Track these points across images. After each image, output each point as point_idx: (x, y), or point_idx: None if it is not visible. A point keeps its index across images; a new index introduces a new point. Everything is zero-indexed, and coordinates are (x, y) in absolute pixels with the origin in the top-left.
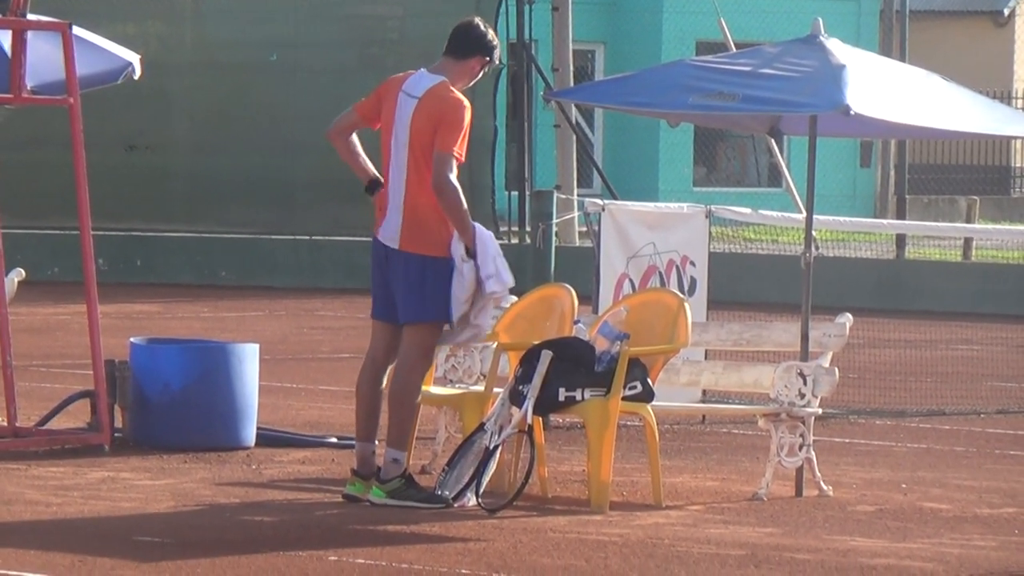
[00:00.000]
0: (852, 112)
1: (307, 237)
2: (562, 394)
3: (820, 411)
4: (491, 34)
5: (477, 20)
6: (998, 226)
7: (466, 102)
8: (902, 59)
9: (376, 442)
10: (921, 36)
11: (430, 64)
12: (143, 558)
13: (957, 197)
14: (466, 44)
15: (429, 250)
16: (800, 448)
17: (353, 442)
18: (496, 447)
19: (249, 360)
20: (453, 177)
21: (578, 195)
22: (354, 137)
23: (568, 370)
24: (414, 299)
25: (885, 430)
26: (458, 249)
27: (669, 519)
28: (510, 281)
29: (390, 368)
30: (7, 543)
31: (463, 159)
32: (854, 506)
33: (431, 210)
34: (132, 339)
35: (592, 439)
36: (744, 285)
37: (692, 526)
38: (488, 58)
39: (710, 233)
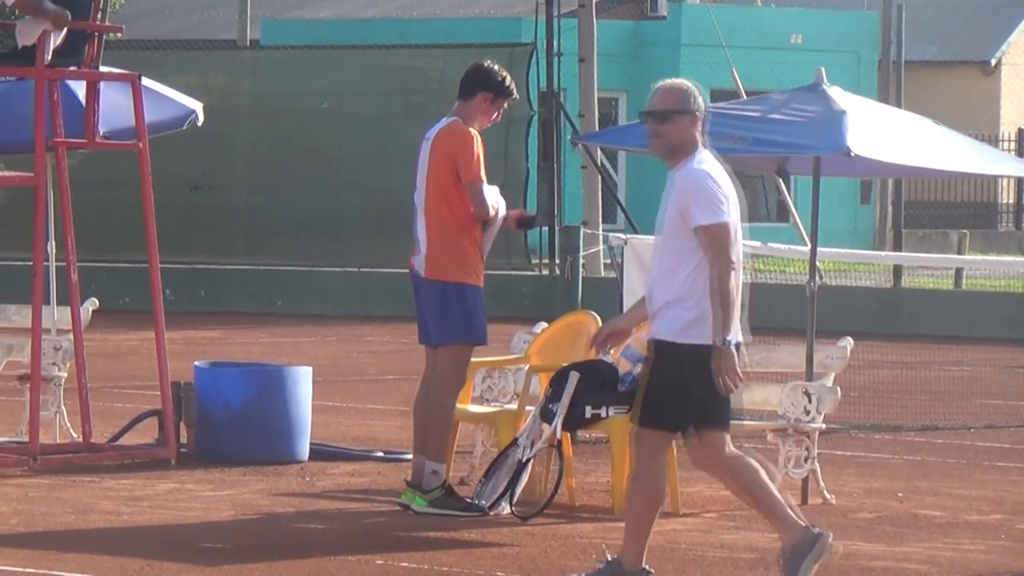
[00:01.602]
0: (852, 154)
1: (356, 269)
2: (588, 411)
3: (824, 426)
4: (497, 71)
5: (483, 61)
6: (986, 257)
7: (474, 133)
8: (898, 105)
9: None
10: (916, 84)
11: None
12: (206, 563)
13: (949, 231)
14: (469, 82)
15: (451, 276)
16: (805, 460)
17: (397, 455)
18: (528, 460)
19: (303, 381)
20: (485, 199)
21: (603, 230)
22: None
23: (594, 390)
24: (442, 322)
25: (883, 444)
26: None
27: (686, 525)
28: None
29: None
30: (83, 549)
31: (484, 180)
32: (855, 513)
33: (451, 240)
34: (196, 363)
35: (616, 452)
36: (754, 311)
37: (707, 532)
38: (493, 93)
39: None
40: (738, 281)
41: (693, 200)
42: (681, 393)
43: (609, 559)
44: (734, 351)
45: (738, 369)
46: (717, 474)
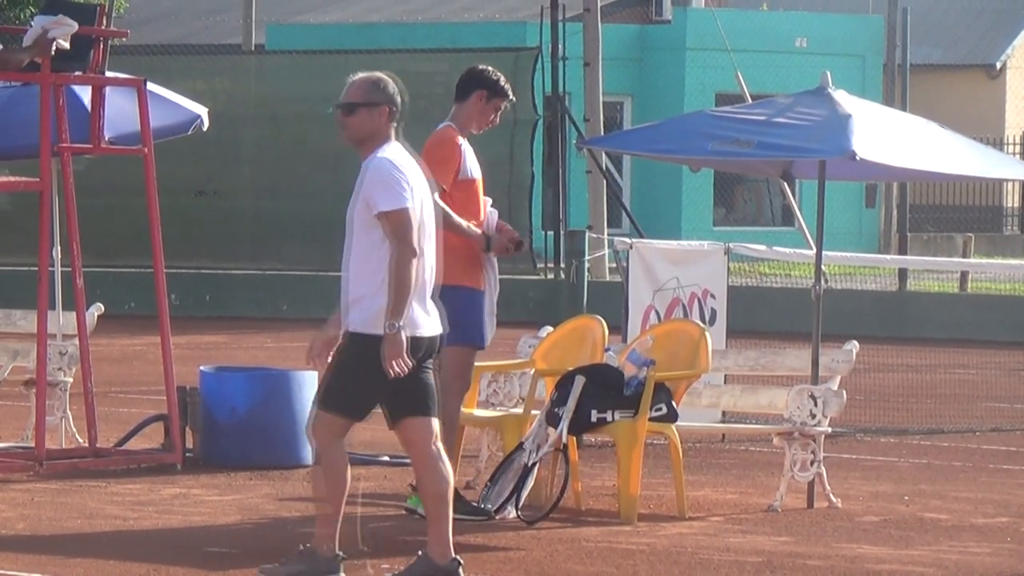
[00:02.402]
0: (858, 157)
1: None
2: (594, 416)
3: (829, 430)
4: (491, 72)
5: (475, 66)
6: (991, 260)
7: (451, 137)
8: (903, 109)
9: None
10: (921, 88)
11: None
12: (212, 567)
13: (954, 234)
14: (463, 84)
15: (447, 280)
16: (812, 464)
17: (403, 460)
18: (534, 464)
19: (308, 386)
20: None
21: (608, 234)
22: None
23: (599, 394)
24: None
25: (889, 447)
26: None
27: (692, 529)
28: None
29: None
30: (89, 554)
31: (448, 188)
32: (861, 516)
33: (446, 243)
34: (202, 367)
35: (621, 456)
36: (760, 315)
37: (713, 535)
38: (487, 91)
39: (728, 268)
40: (420, 269)
41: (375, 188)
42: (362, 383)
43: (302, 548)
44: (403, 337)
45: (405, 356)
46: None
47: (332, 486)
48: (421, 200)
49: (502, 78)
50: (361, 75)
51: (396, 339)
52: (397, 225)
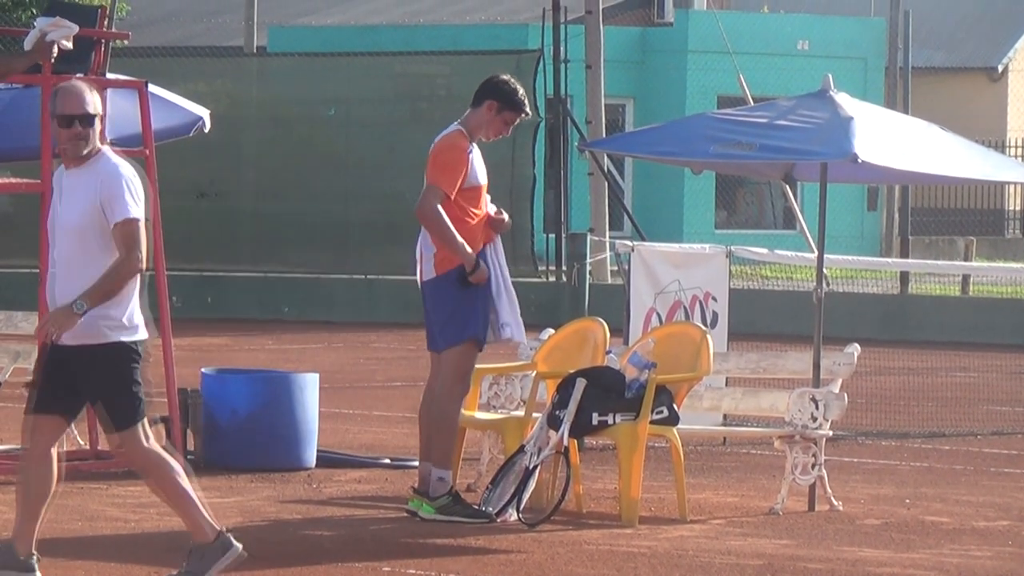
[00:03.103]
0: (860, 160)
1: (362, 276)
2: (595, 418)
3: (831, 433)
4: (508, 82)
5: (499, 74)
6: (993, 264)
7: (465, 146)
8: (905, 111)
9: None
10: (923, 90)
11: None
12: None
13: (956, 238)
14: (480, 91)
15: (442, 268)
16: (813, 467)
17: (404, 462)
18: (535, 467)
19: (310, 388)
20: (438, 206)
21: (610, 237)
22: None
23: (601, 396)
24: (443, 325)
25: (890, 450)
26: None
27: (693, 532)
28: (523, 338)
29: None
30: (90, 556)
31: (465, 197)
32: (862, 520)
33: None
34: (203, 369)
35: (623, 459)
36: (761, 318)
37: (714, 538)
38: (499, 102)
39: (730, 271)
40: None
41: (114, 194)
42: (64, 387)
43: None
44: (77, 315)
45: (61, 330)
46: (138, 469)
47: (32, 483)
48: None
49: (520, 91)
50: (75, 84)
51: (66, 312)
52: (128, 235)
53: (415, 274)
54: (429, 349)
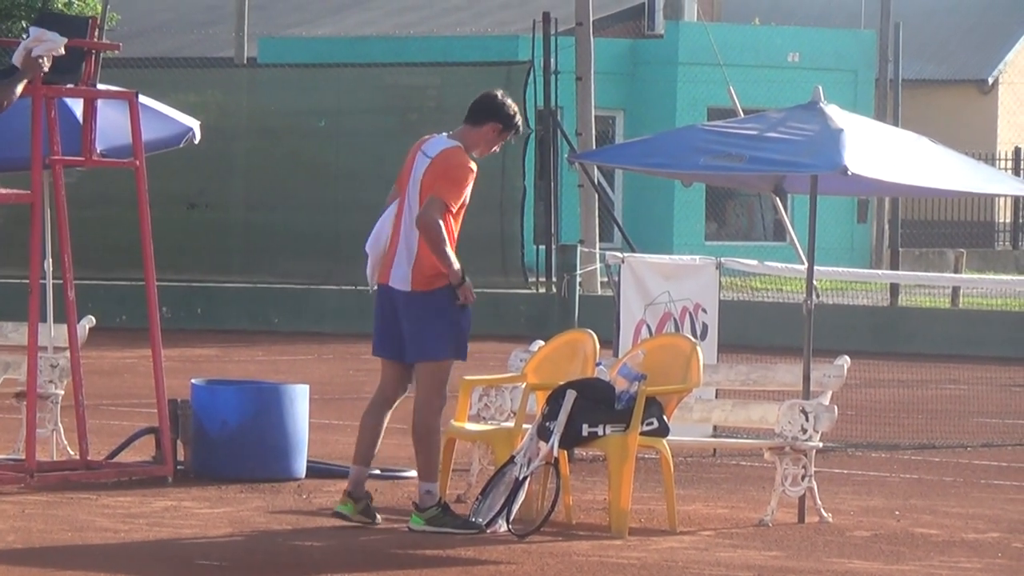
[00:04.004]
0: (850, 172)
1: (352, 287)
2: (585, 430)
3: (821, 445)
4: (509, 105)
5: (497, 92)
6: (983, 276)
7: (474, 168)
8: (895, 124)
9: (371, 468)
10: (913, 103)
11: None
12: None
13: (946, 250)
14: (481, 111)
15: (418, 285)
16: (803, 478)
17: (394, 473)
18: (525, 478)
19: (300, 399)
20: (440, 220)
21: (600, 249)
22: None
23: (591, 408)
24: (422, 337)
25: (880, 462)
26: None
27: (683, 543)
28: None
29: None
30: (79, 566)
31: (455, 214)
32: (851, 531)
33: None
34: (193, 380)
35: (612, 471)
36: (751, 330)
37: (704, 550)
38: (502, 125)
39: (720, 283)
40: None
41: None
42: None
43: None
44: None
45: None
46: None
47: None
48: None
49: (517, 114)
50: None
51: None
52: None
53: (367, 273)
54: (382, 356)
